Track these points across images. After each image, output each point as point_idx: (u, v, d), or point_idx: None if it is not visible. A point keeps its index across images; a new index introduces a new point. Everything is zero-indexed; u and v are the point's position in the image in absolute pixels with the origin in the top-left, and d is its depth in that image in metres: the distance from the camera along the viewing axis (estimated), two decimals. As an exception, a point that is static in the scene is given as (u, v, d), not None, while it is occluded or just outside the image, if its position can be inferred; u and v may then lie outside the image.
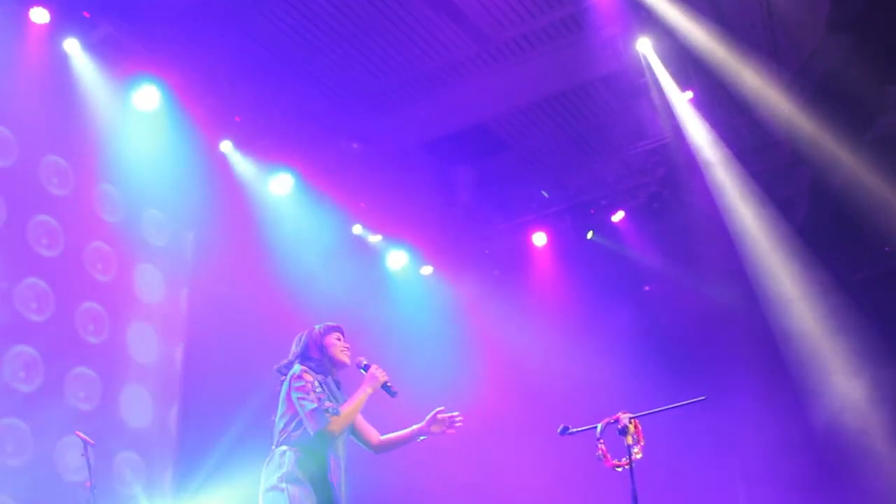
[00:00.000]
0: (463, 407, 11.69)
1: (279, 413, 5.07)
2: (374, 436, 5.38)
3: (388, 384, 5.25)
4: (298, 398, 4.93)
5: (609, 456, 5.59)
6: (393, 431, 5.50)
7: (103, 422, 9.44)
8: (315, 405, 4.86)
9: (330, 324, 5.41)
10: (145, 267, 10.48)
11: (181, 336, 10.78)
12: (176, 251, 10.90)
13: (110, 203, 10.24)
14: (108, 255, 10.09)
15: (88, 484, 7.57)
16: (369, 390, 5.13)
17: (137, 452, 9.90)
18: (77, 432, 7.92)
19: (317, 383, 5.00)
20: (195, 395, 10.57)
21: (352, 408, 5.03)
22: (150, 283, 10.50)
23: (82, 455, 7.66)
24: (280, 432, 5.00)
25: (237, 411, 10.14)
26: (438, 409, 5.40)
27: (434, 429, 5.41)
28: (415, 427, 5.40)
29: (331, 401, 4.98)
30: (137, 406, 10.05)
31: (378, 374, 5.19)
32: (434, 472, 11.40)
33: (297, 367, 5.08)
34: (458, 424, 5.43)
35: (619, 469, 5.54)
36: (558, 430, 5.88)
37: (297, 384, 4.98)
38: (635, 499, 5.41)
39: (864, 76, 9.21)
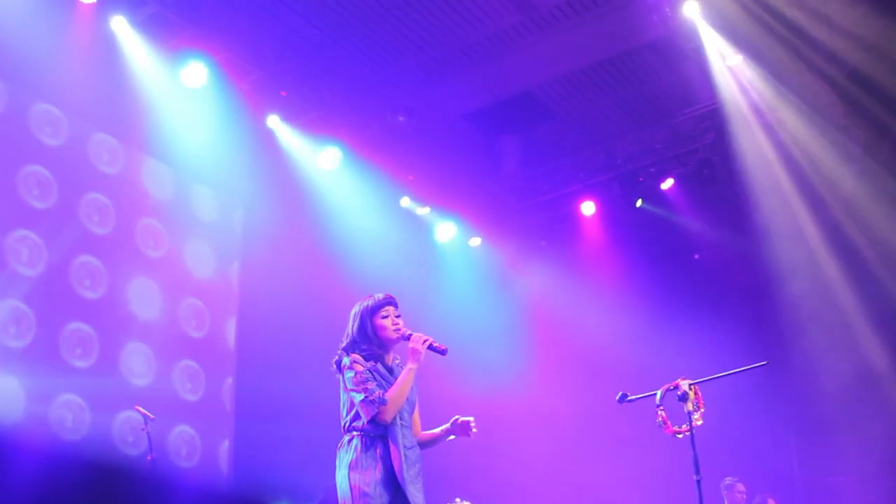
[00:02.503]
0: (516, 376, 11.87)
1: (341, 401, 5.11)
2: (416, 430, 5.26)
3: (434, 345, 5.09)
4: (350, 390, 4.98)
5: (669, 422, 5.55)
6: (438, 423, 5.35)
7: (158, 396, 9.57)
8: (363, 395, 4.89)
9: (379, 297, 5.23)
10: (195, 242, 10.58)
11: (232, 310, 10.89)
12: (225, 226, 10.99)
13: (160, 180, 10.33)
14: (158, 231, 10.20)
15: (150, 457, 7.68)
16: (412, 366, 5.03)
17: (192, 426, 10.03)
18: (137, 407, 8.04)
19: (367, 372, 4.99)
20: (250, 369, 10.69)
21: (398, 391, 4.98)
22: (200, 258, 10.60)
23: (143, 429, 7.77)
24: (345, 420, 5.07)
25: (292, 382, 10.23)
26: (455, 417, 5.24)
27: (457, 431, 5.25)
28: (443, 427, 5.27)
29: (381, 387, 4.96)
30: (190, 380, 10.17)
31: (418, 345, 5.05)
32: (490, 441, 11.45)
33: (346, 360, 5.05)
34: (473, 430, 5.21)
35: (680, 436, 5.51)
36: (617, 398, 5.85)
37: (348, 375, 5.00)
38: (696, 465, 5.38)
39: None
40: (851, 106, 10.05)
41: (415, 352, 5.05)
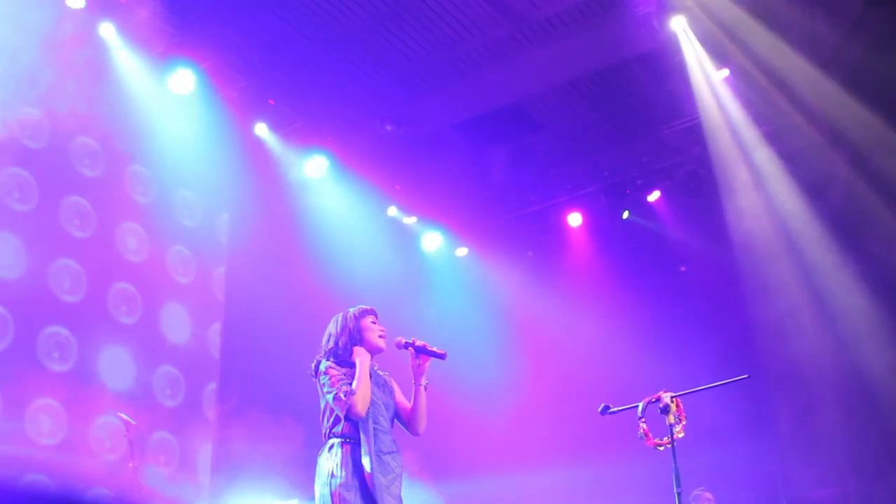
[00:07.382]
0: (501, 387, 11.85)
1: (321, 409, 5.17)
2: (406, 410, 5.32)
3: (433, 349, 5.24)
4: (324, 393, 5.06)
5: (651, 435, 5.56)
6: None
7: (138, 401, 9.55)
8: (334, 392, 4.96)
9: (363, 307, 5.36)
10: (177, 248, 10.56)
11: (216, 316, 10.88)
12: (209, 232, 10.98)
13: (142, 185, 10.32)
14: (140, 235, 10.18)
15: (131, 464, 7.64)
16: (363, 356, 5.10)
17: (172, 432, 10.01)
18: (119, 413, 8.00)
19: (341, 375, 5.06)
20: (233, 374, 10.68)
21: (361, 382, 4.99)
22: (182, 263, 10.59)
23: (125, 436, 7.73)
24: (325, 426, 5.12)
25: (274, 388, 10.22)
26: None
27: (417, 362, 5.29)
28: (413, 381, 5.31)
29: (347, 386, 5.00)
30: (171, 386, 10.16)
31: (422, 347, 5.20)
32: (474, 451, 11.44)
33: (322, 365, 5.14)
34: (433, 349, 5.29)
35: (661, 448, 5.51)
36: (599, 410, 5.85)
37: (323, 379, 5.08)
38: (677, 478, 5.38)
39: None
40: (836, 122, 10.08)
41: (365, 348, 5.15)
